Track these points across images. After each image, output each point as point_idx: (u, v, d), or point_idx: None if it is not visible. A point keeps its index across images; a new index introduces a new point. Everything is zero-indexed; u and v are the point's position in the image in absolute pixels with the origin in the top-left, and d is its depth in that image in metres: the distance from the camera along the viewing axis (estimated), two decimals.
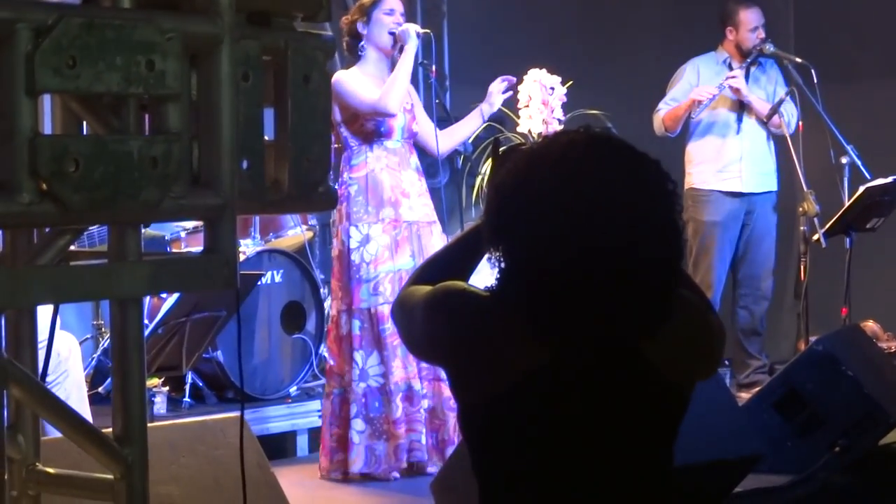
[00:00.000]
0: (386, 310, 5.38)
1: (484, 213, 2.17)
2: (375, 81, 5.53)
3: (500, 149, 2.38)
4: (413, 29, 5.49)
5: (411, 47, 5.46)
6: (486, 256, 2.14)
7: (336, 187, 5.46)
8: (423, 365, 5.45)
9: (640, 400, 2.14)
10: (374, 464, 5.44)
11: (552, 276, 2.04)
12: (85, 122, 2.24)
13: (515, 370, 2.11)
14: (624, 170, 2.09)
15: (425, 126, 5.73)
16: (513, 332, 2.10)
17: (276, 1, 2.33)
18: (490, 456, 2.19)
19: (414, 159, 5.64)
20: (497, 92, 5.71)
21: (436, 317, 2.21)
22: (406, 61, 5.46)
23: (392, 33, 5.52)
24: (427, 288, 2.26)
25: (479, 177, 7.31)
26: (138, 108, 2.13)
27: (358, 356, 5.45)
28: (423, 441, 5.46)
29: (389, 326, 5.38)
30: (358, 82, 5.49)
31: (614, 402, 2.13)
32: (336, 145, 5.71)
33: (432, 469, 5.37)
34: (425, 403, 5.48)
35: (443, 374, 5.38)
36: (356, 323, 5.47)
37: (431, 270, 2.40)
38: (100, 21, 1.99)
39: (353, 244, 5.47)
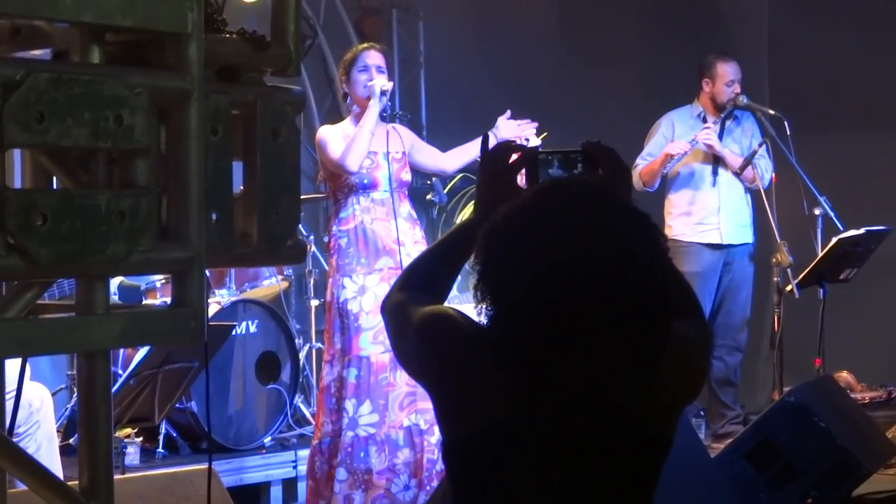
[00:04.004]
0: (386, 358, 5.38)
1: (474, 257, 2.13)
2: None
3: (490, 141, 2.40)
4: (378, 86, 5.54)
5: (374, 104, 5.53)
6: (474, 305, 2.12)
7: (324, 239, 5.56)
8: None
9: (622, 448, 2.13)
10: None
11: (539, 326, 2.02)
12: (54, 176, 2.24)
13: (497, 410, 2.11)
14: (618, 224, 2.08)
15: (429, 156, 5.88)
16: (498, 372, 2.09)
17: (246, 56, 2.34)
18: (469, 492, 2.18)
19: (405, 208, 5.65)
20: (502, 119, 5.74)
21: (426, 343, 2.22)
22: (368, 119, 5.52)
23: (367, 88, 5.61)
24: (421, 309, 2.25)
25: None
26: (107, 161, 2.14)
27: (349, 404, 5.43)
28: (402, 485, 5.44)
29: (388, 375, 5.39)
30: (333, 137, 5.57)
31: (594, 451, 2.12)
32: (323, 195, 5.76)
33: None
34: (406, 452, 5.45)
35: (423, 424, 5.39)
36: (352, 371, 5.45)
37: (421, 271, 2.42)
38: (68, 76, 2.00)
39: (350, 294, 5.48)
